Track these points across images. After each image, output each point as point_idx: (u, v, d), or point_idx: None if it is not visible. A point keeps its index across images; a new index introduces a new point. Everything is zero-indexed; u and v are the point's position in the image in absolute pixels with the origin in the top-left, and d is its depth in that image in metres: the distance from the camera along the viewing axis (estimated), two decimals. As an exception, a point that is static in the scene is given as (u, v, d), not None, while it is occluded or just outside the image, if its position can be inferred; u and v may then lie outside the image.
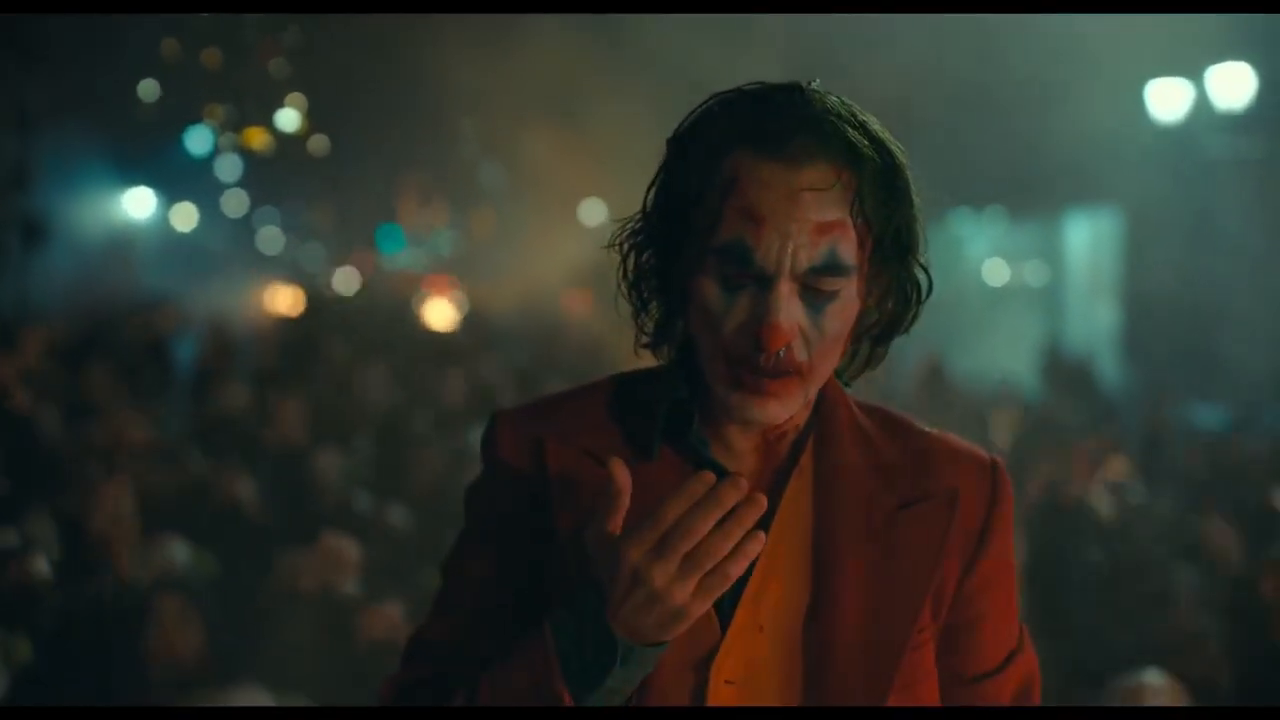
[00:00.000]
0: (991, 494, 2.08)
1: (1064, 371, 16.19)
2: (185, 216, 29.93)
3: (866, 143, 1.91)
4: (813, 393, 1.98)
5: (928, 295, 2.03)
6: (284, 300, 26.24)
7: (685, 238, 1.95)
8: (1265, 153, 16.67)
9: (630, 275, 2.05)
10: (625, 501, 1.83)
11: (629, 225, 2.05)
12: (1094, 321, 21.93)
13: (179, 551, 6.76)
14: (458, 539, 2.13)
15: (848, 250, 1.90)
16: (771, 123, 1.90)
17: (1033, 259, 23.87)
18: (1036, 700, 2.11)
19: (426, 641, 2.09)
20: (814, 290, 1.89)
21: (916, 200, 1.96)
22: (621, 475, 1.83)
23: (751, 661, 1.97)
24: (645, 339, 2.07)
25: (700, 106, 2.00)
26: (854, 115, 1.94)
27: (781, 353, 1.89)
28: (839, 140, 1.89)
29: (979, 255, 23.76)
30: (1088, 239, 22.60)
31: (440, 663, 2.03)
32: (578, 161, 23.43)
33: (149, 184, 26.22)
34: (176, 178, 27.04)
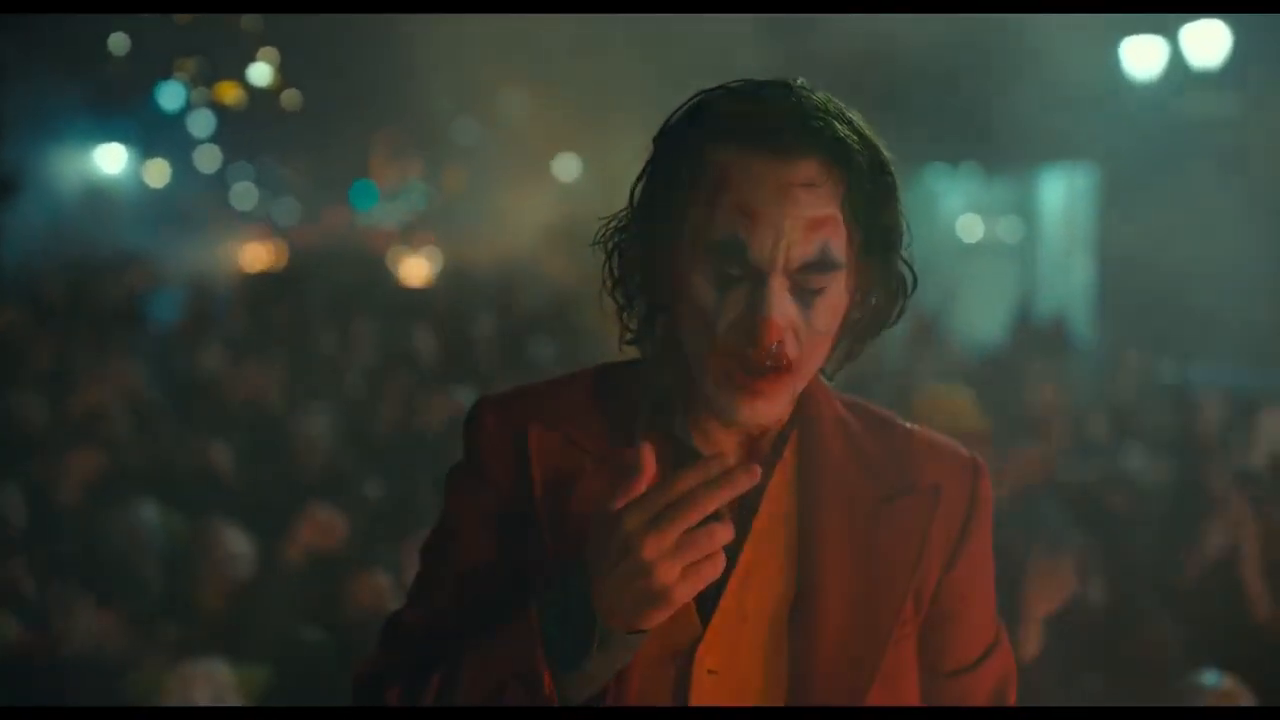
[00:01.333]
0: (973, 491, 2.10)
1: (1036, 328, 16.22)
2: (158, 173, 29.81)
3: (855, 139, 1.91)
4: (799, 390, 1.99)
5: (912, 291, 2.03)
6: (258, 256, 26.19)
7: (674, 233, 1.95)
8: (1240, 110, 16.68)
9: (616, 272, 2.04)
10: (640, 488, 1.80)
11: (614, 221, 2.04)
12: (1068, 278, 21.97)
13: (147, 513, 6.76)
14: (437, 523, 2.13)
15: (838, 246, 1.91)
16: (762, 119, 1.90)
17: (1007, 215, 23.89)
18: (1012, 699, 2.12)
19: (404, 624, 2.09)
20: (805, 286, 1.90)
21: (901, 196, 1.98)
22: (649, 460, 1.81)
23: (734, 652, 1.99)
24: (629, 335, 2.07)
25: (687, 102, 2.00)
26: (841, 112, 1.95)
27: (774, 348, 1.89)
28: (829, 136, 1.89)
29: (953, 211, 23.77)
30: (1062, 195, 22.63)
31: (417, 646, 2.02)
32: (551, 117, 23.39)
33: (121, 140, 26.10)
34: (149, 133, 26.92)
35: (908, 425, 2.15)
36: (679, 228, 1.94)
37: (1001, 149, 19.46)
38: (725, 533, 1.78)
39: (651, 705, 1.97)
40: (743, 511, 1.93)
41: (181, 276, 19.38)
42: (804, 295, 1.91)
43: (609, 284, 2.05)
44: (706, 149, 1.92)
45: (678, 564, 1.76)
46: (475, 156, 30.43)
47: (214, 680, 4.83)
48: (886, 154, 1.96)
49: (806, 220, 1.88)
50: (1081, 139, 17.55)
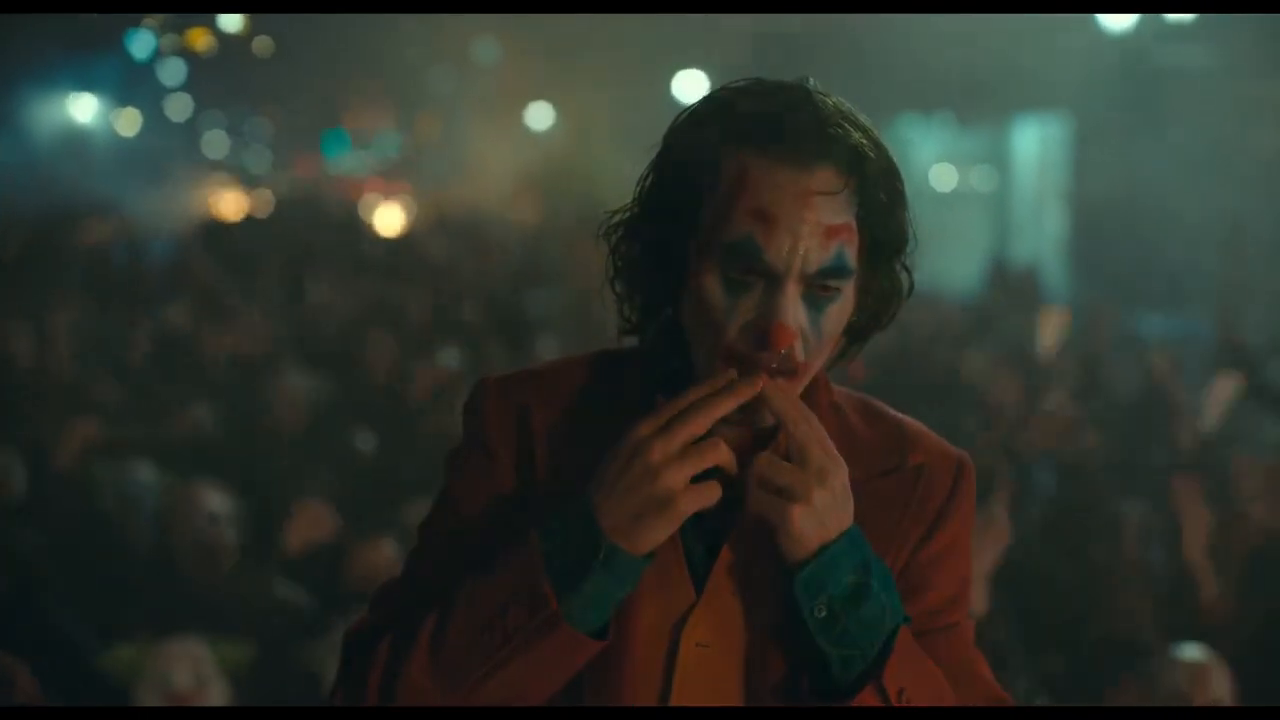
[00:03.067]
0: (955, 481, 2.13)
1: (1010, 279, 16.24)
2: (129, 121, 29.64)
3: (869, 146, 1.94)
4: (800, 390, 2.00)
5: (908, 294, 2.07)
6: (230, 205, 26.07)
7: (684, 232, 1.97)
8: (1213, 62, 16.69)
9: (620, 264, 2.06)
10: (664, 413, 1.90)
11: (620, 214, 2.07)
12: (1041, 227, 22.01)
13: (144, 473, 6.72)
14: (436, 501, 2.15)
15: (852, 253, 1.94)
16: (780, 123, 1.91)
17: (981, 164, 23.89)
18: (951, 694, 2.07)
19: (394, 590, 2.12)
20: (817, 292, 1.93)
21: (909, 202, 2.01)
22: (678, 400, 1.91)
23: (723, 626, 2.02)
24: (628, 326, 2.10)
25: (700, 101, 2.02)
26: (855, 118, 1.97)
27: (784, 353, 1.91)
28: (846, 144, 1.92)
29: (927, 160, 23.74)
30: (1036, 145, 22.64)
31: (406, 608, 2.04)
32: (524, 65, 23.31)
33: (92, 89, 25.94)
34: (120, 82, 26.74)
35: (898, 414, 2.19)
36: (690, 227, 1.96)
37: (975, 98, 19.47)
38: (726, 452, 1.89)
39: (645, 680, 2.00)
40: (735, 489, 1.95)
41: (154, 225, 19.28)
42: (815, 301, 1.93)
43: (610, 275, 2.08)
44: (723, 151, 1.94)
45: (684, 471, 1.86)
46: (448, 104, 30.30)
47: (194, 658, 4.81)
48: (895, 161, 1.99)
49: (824, 228, 1.90)
50: (1055, 89, 17.54)
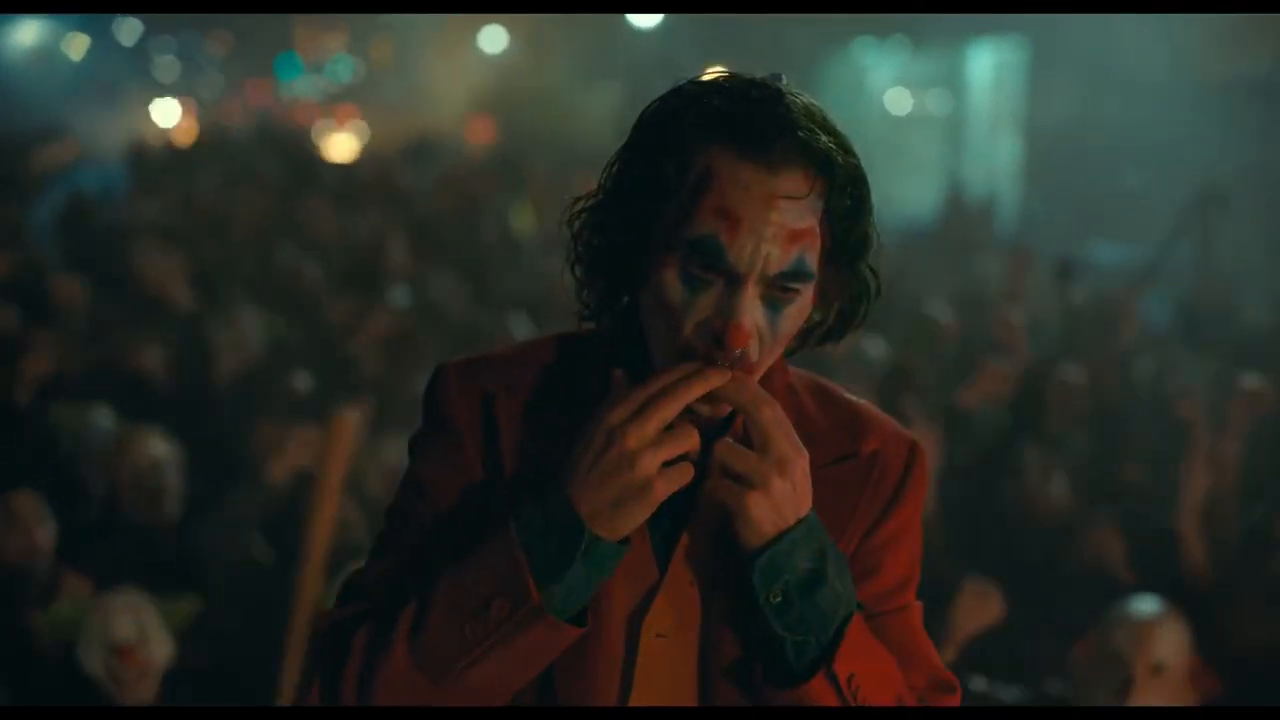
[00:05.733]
0: (907, 465, 2.15)
1: (965, 207, 16.27)
2: (78, 46, 29.31)
3: (837, 150, 1.93)
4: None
5: (876, 296, 2.07)
6: (181, 131, 25.83)
7: (646, 222, 1.97)
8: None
9: (581, 250, 2.06)
10: (628, 397, 1.91)
11: (584, 202, 2.06)
12: (996, 152, 22.04)
13: (102, 419, 6.69)
14: (401, 486, 2.16)
15: (813, 257, 1.94)
16: (750, 123, 1.91)
17: (936, 88, 23.86)
18: (926, 671, 2.12)
19: (365, 580, 2.12)
20: (776, 294, 1.94)
21: (874, 206, 2.00)
22: (647, 385, 1.92)
23: (682, 615, 2.05)
24: (587, 312, 2.10)
25: (670, 93, 2.01)
26: (826, 120, 1.96)
27: (739, 353, 1.92)
28: (816, 148, 1.91)
29: (881, 84, 23.71)
30: (991, 69, 22.63)
31: (378, 599, 2.05)
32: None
33: (39, 13, 25.63)
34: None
35: (852, 398, 2.21)
36: (653, 219, 1.96)
37: (930, 21, 19.41)
38: (696, 438, 1.91)
39: (610, 666, 2.03)
40: (694, 478, 1.97)
41: (104, 151, 19.12)
42: (773, 302, 1.94)
43: (571, 261, 2.08)
44: (691, 147, 1.93)
45: (658, 456, 1.87)
46: (402, 28, 30.05)
47: (137, 612, 4.81)
48: (862, 166, 1.98)
49: (788, 231, 1.90)
50: (1010, 13, 17.49)
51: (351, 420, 4.88)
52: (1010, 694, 4.32)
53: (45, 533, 5.50)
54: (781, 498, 1.92)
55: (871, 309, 2.09)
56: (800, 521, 1.94)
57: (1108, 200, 16.50)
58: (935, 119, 23.85)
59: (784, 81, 1.99)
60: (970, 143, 22.95)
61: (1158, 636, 4.15)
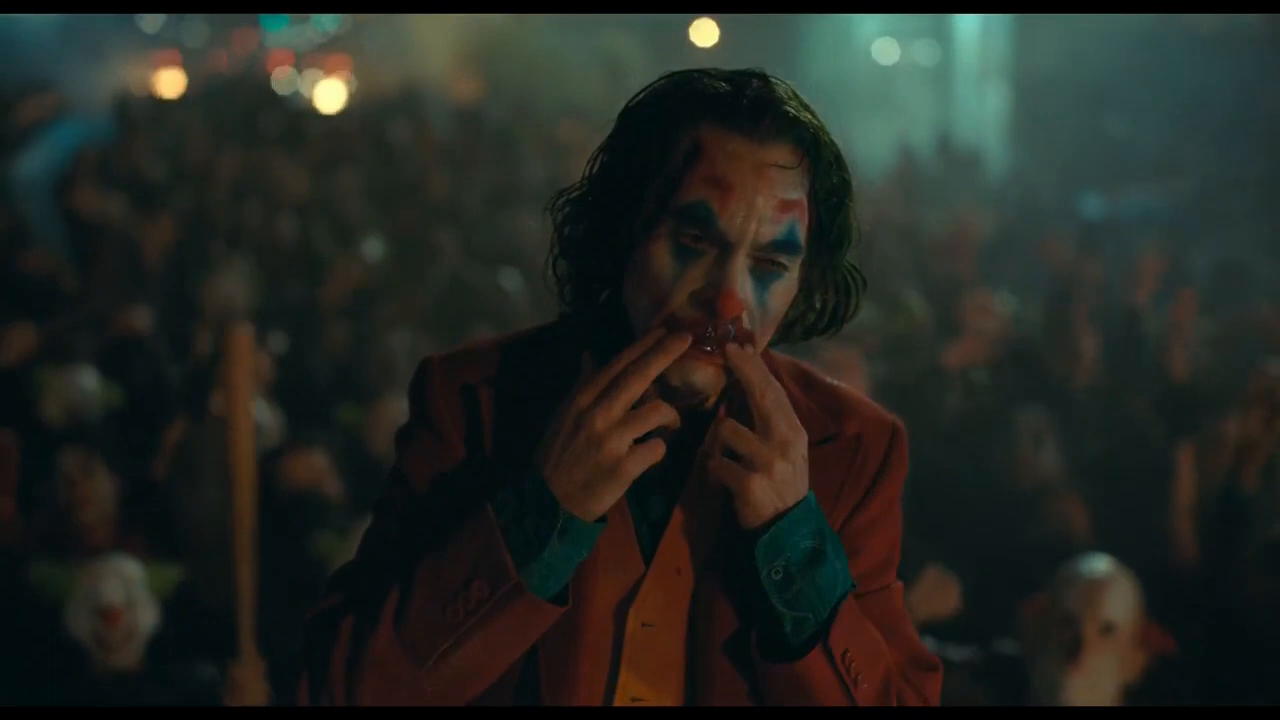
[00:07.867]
0: (889, 447, 2.18)
1: (954, 158, 16.27)
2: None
3: (823, 131, 1.98)
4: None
5: (863, 290, 2.11)
6: (167, 83, 25.68)
7: (631, 208, 1.99)
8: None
9: (564, 243, 2.09)
10: (595, 379, 1.93)
11: (568, 193, 2.09)
12: (984, 101, 22.02)
13: (87, 380, 6.70)
14: (387, 480, 2.19)
15: (803, 230, 1.97)
16: (739, 98, 1.95)
17: (923, 39, 23.80)
18: (906, 648, 2.15)
19: (351, 573, 2.15)
20: (764, 267, 1.96)
21: (856, 194, 2.03)
22: (612, 365, 1.94)
23: (668, 604, 2.07)
24: (568, 307, 2.13)
25: (656, 83, 2.04)
26: (807, 105, 2.00)
27: (732, 321, 1.94)
28: (802, 124, 1.96)
29: (869, 34, 23.65)
30: (977, 18, 22.57)
31: (366, 587, 2.07)
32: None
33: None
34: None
35: (833, 381, 2.23)
36: (638, 200, 1.98)
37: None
38: (668, 411, 1.94)
39: (597, 654, 2.05)
40: (677, 467, 2.02)
41: (90, 103, 19.00)
42: (762, 276, 1.96)
43: (553, 255, 2.10)
44: (681, 125, 1.97)
45: (627, 435, 1.90)
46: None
47: (123, 577, 4.84)
48: (844, 155, 2.01)
49: (779, 200, 1.93)
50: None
51: (246, 332, 4.84)
52: (961, 654, 4.32)
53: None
54: (783, 480, 1.95)
55: (859, 305, 2.12)
56: (800, 502, 1.97)
57: (1096, 148, 16.48)
58: (922, 69, 23.80)
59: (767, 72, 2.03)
60: (958, 92, 22.91)
61: (1108, 596, 4.13)
